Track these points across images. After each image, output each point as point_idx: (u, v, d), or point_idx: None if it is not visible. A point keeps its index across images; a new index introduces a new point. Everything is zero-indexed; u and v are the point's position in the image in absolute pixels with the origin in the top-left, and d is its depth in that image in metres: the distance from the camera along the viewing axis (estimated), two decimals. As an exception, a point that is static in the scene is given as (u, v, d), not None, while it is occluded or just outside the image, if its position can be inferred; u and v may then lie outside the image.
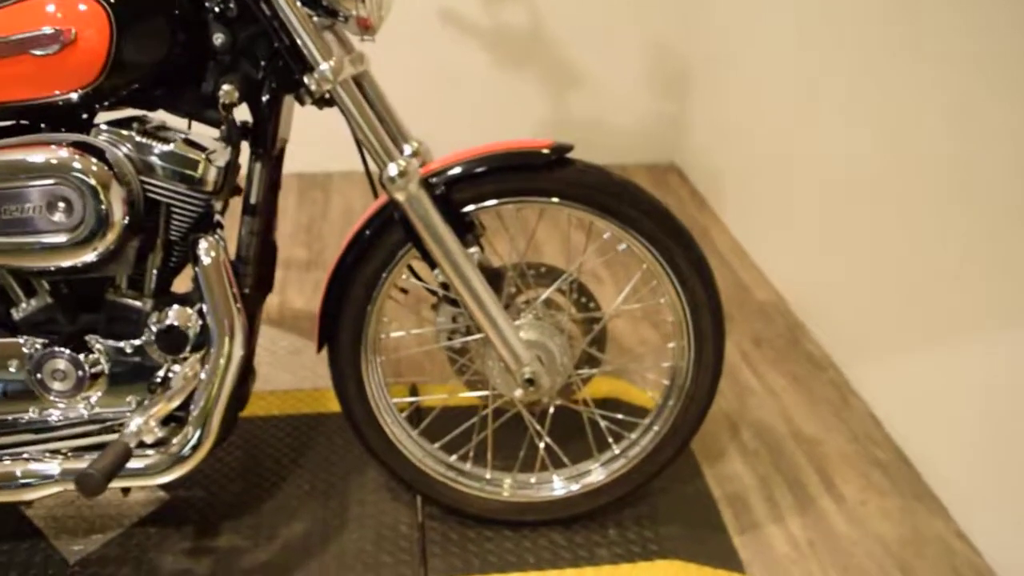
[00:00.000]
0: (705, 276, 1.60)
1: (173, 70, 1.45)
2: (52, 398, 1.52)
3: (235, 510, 1.83)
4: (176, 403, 1.50)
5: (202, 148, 1.47)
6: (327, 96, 1.45)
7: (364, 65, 1.61)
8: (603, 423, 1.78)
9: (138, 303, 1.53)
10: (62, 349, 1.50)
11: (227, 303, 1.49)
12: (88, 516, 1.80)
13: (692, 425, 1.70)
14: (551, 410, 1.78)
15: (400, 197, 1.48)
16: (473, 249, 1.55)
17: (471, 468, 1.78)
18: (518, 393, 1.60)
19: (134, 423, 1.42)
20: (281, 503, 1.85)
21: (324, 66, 1.42)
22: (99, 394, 1.53)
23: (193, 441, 1.50)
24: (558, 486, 1.76)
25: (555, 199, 1.55)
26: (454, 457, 1.78)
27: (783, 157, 2.69)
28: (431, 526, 1.80)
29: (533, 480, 1.79)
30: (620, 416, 1.79)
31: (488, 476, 1.78)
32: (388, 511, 1.83)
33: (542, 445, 1.79)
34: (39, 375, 1.51)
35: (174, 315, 1.50)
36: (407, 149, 1.64)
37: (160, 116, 1.54)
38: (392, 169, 1.47)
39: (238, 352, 1.50)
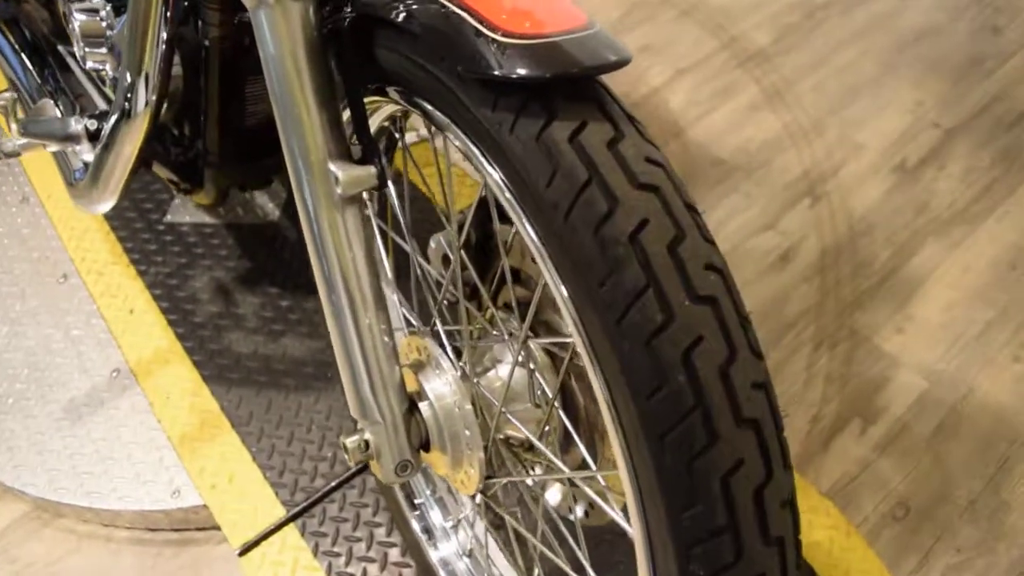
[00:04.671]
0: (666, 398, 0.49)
1: None
2: None
3: (283, 281, 1.44)
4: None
5: None
6: None
7: None
8: None
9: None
10: None
11: (147, 26, 0.94)
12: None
13: None
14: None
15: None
16: (346, 170, 0.69)
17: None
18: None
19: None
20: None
21: None
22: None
23: (94, 190, 1.10)
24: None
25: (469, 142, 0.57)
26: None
27: None
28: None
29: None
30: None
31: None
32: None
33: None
34: None
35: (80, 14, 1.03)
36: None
37: None
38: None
39: (142, 99, 0.98)
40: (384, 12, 0.61)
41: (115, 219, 1.54)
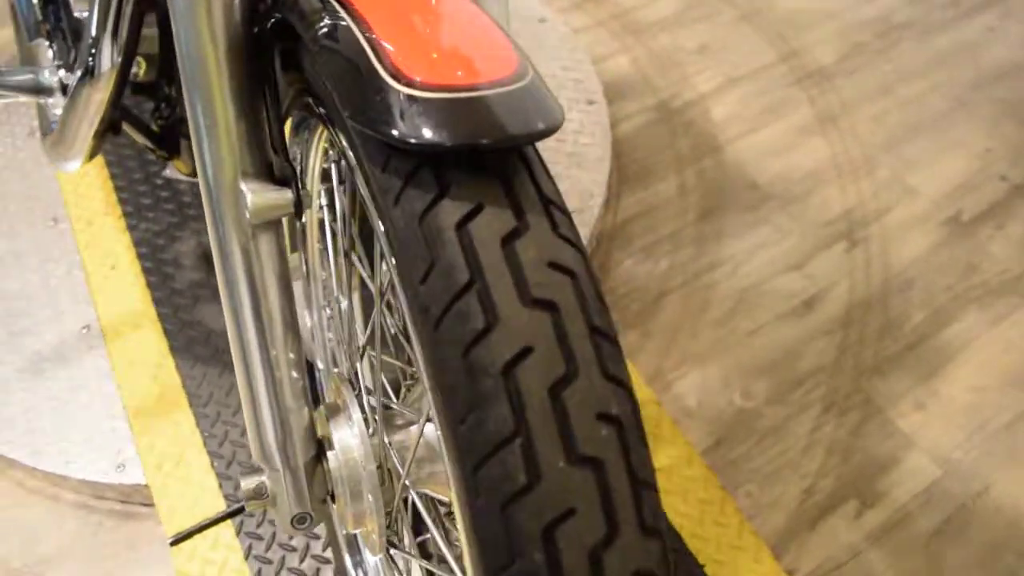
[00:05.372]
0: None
1: None
2: None
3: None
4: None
5: None
6: None
7: None
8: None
9: None
10: None
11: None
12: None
13: None
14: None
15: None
16: (258, 192, 0.60)
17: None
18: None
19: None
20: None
21: None
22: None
23: (60, 147, 1.03)
24: None
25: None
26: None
27: None
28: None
29: None
30: None
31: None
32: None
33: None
34: None
35: None
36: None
37: None
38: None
39: (107, 59, 0.90)
40: (302, 24, 0.51)
41: (115, 166, 1.48)
